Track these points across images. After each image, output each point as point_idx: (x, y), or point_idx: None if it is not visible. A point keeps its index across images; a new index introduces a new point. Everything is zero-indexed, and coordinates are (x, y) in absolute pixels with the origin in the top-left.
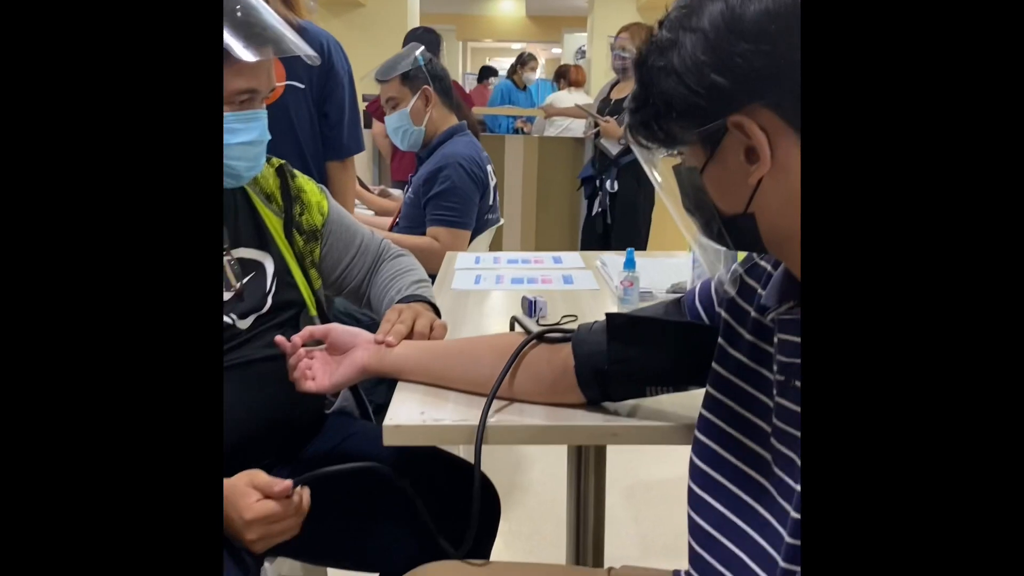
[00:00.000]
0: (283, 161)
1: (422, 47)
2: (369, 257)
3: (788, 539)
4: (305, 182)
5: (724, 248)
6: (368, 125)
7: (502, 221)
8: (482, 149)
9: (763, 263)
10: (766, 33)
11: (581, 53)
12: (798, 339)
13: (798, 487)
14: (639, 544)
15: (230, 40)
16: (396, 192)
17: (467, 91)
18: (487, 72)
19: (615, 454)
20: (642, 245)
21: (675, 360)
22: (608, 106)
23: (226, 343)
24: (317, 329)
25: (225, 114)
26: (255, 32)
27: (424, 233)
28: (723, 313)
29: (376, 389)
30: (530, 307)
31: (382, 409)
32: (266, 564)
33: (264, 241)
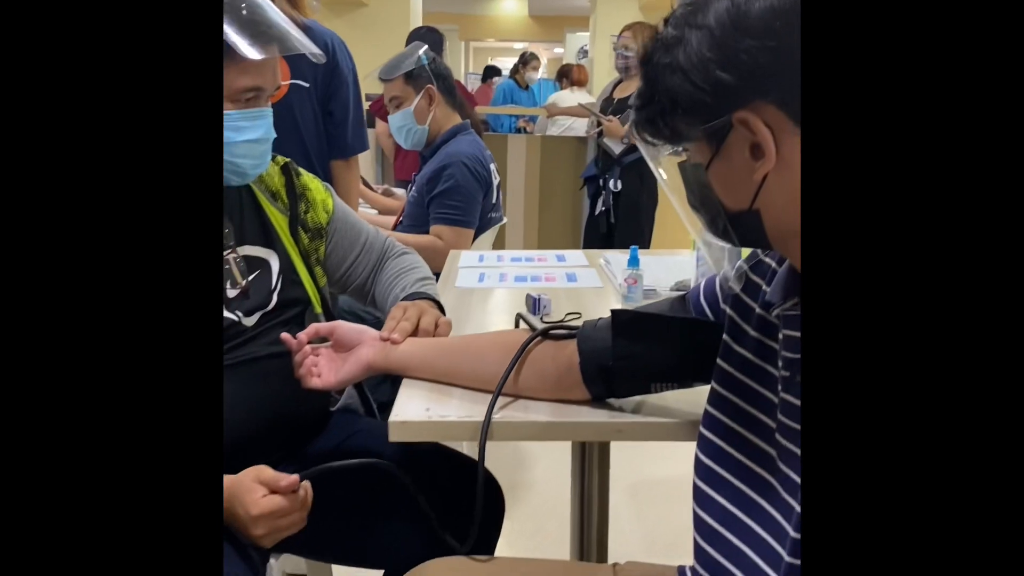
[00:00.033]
0: (288, 159)
1: (425, 46)
2: (374, 255)
3: (793, 534)
4: (310, 180)
5: (729, 245)
6: (371, 124)
7: (505, 220)
8: (485, 148)
9: (768, 260)
10: (771, 30)
11: (583, 53)
12: None
13: None
14: (643, 541)
15: (236, 38)
16: (399, 191)
17: (470, 91)
18: (491, 72)
19: (618, 452)
20: (645, 244)
21: (680, 356)
22: (611, 105)
23: (232, 340)
24: (323, 326)
25: (231, 112)
26: (260, 30)
27: (428, 232)
28: (728, 310)
29: (380, 387)
30: (534, 305)
31: (385, 407)
32: (272, 560)
33: (270, 239)
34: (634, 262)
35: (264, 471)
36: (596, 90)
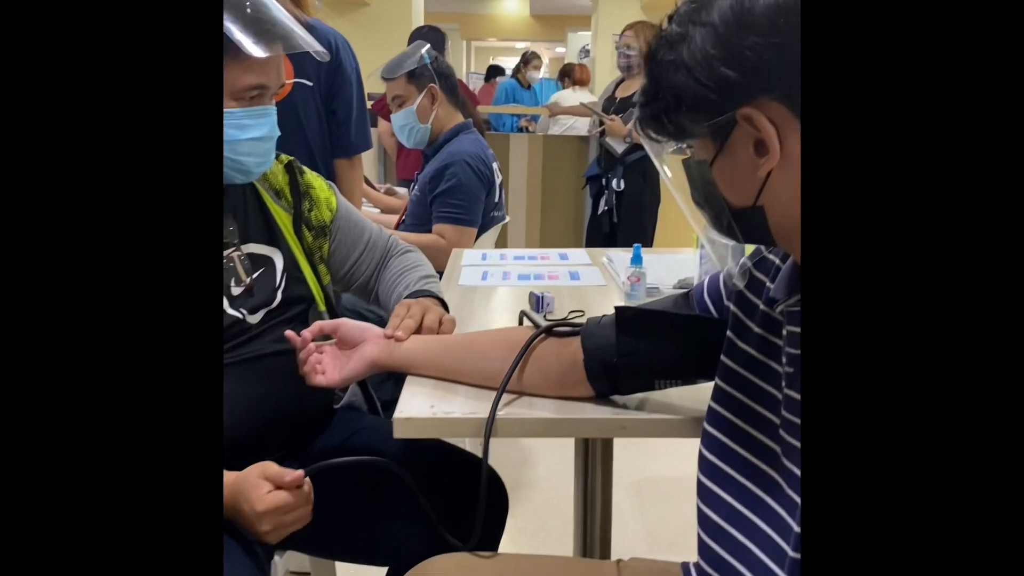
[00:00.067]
0: (292, 157)
1: (428, 45)
2: (377, 253)
3: (797, 530)
4: (314, 178)
5: (733, 242)
6: (373, 124)
7: (508, 218)
8: (488, 146)
9: (771, 256)
10: (775, 26)
11: (585, 52)
12: None
13: None
14: (645, 539)
15: (240, 36)
16: (402, 190)
17: (472, 90)
18: (494, 71)
19: (621, 450)
20: (648, 243)
21: (684, 353)
22: (613, 104)
23: (236, 338)
24: (327, 324)
25: (235, 110)
26: (265, 28)
27: (430, 231)
28: (732, 306)
29: (383, 386)
30: (537, 303)
31: (388, 406)
32: (276, 558)
33: (273, 237)
34: (637, 260)
35: (269, 467)
36: (598, 89)
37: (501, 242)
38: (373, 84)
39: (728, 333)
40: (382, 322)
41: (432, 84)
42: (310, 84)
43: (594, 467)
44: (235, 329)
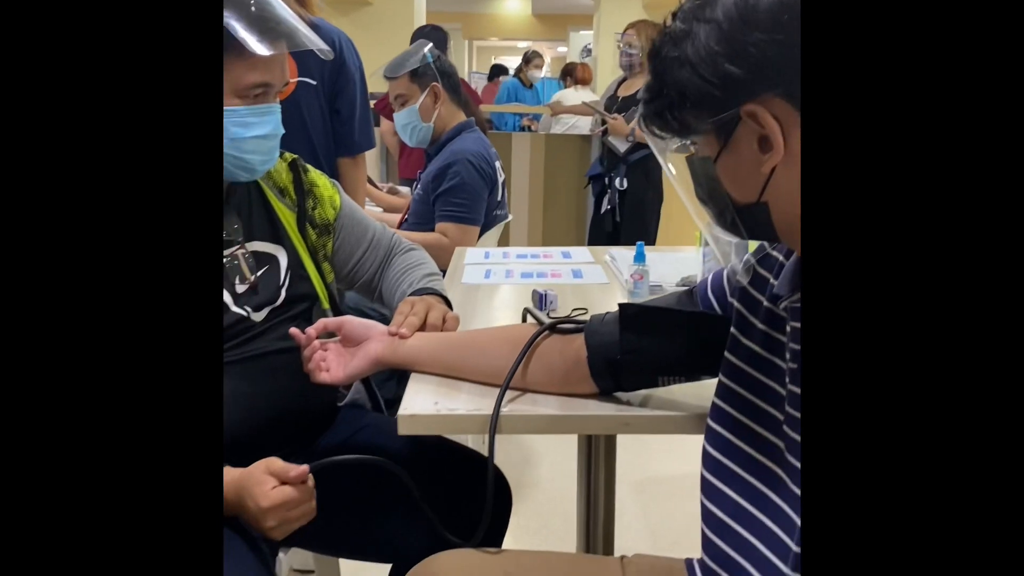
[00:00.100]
0: (296, 156)
1: (430, 44)
2: (381, 251)
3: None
4: (318, 176)
5: (737, 238)
6: (376, 123)
7: (511, 217)
8: (490, 145)
9: (775, 253)
10: (779, 23)
11: (587, 51)
12: None
13: None
14: (648, 538)
15: (244, 34)
16: (404, 189)
17: (474, 89)
18: (498, 70)
19: (624, 449)
20: (651, 242)
21: (687, 350)
22: (615, 103)
23: (241, 335)
24: (331, 321)
25: (239, 108)
26: (269, 26)
27: (433, 229)
28: (735, 303)
29: (386, 384)
30: (540, 300)
31: (391, 404)
32: (280, 555)
33: (278, 235)
34: (640, 258)
35: (274, 462)
36: (600, 88)
37: (503, 241)
38: (375, 83)
39: (732, 330)
40: (385, 320)
41: (435, 83)
42: (314, 83)
43: (597, 465)
44: (239, 327)
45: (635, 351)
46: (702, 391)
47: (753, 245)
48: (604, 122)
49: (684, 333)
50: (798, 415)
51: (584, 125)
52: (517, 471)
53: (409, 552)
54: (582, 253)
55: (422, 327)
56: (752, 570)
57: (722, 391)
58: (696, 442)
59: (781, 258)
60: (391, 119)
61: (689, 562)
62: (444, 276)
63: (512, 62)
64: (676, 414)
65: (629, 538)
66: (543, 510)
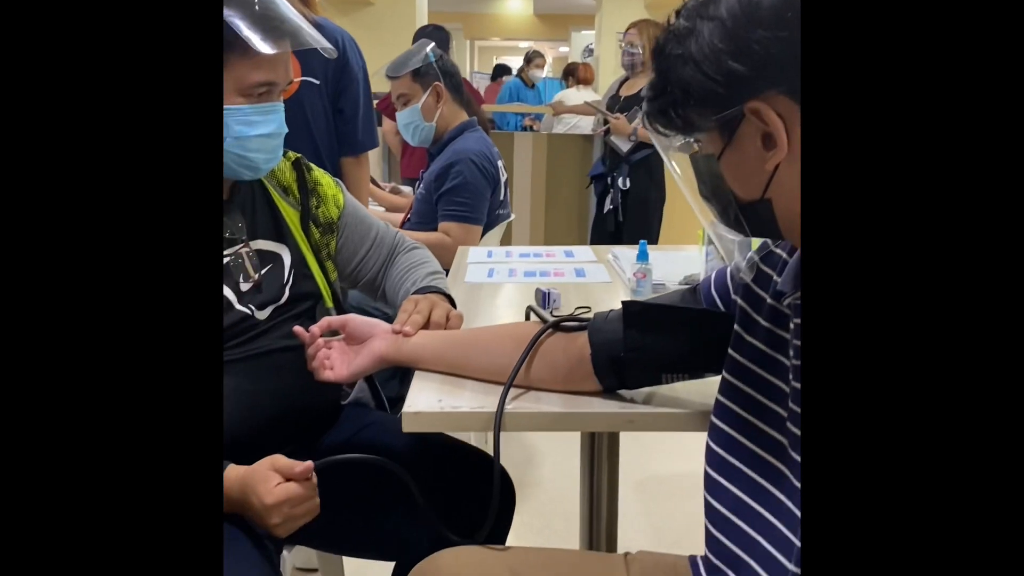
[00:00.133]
0: (299, 155)
1: (432, 43)
2: (384, 249)
3: None
4: (321, 175)
5: (741, 235)
6: (378, 123)
7: (513, 216)
8: (493, 145)
9: (778, 250)
10: (783, 20)
11: (588, 51)
12: None
13: None
14: (651, 537)
15: (248, 33)
16: (407, 189)
17: (477, 89)
18: (501, 70)
19: (626, 449)
20: (653, 241)
21: (691, 347)
22: (618, 103)
23: (245, 333)
24: (335, 319)
25: (243, 107)
26: (273, 25)
27: (436, 229)
28: (739, 300)
29: (388, 384)
30: (544, 299)
31: (394, 403)
32: (284, 552)
33: (281, 233)
34: (643, 256)
35: (279, 459)
36: (601, 89)
37: (505, 240)
38: (377, 83)
39: (735, 327)
40: (388, 319)
41: (437, 82)
42: (317, 83)
43: (600, 463)
44: (244, 325)
45: (639, 348)
46: (705, 388)
47: (756, 242)
48: (607, 122)
49: (688, 330)
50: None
51: (586, 125)
52: (519, 471)
53: (413, 549)
54: (585, 252)
55: (426, 325)
56: (756, 566)
57: (726, 388)
58: (697, 442)
59: (785, 255)
60: (393, 119)
61: (693, 559)
62: (447, 275)
63: (514, 62)
64: (680, 411)
65: (631, 537)
66: (545, 510)
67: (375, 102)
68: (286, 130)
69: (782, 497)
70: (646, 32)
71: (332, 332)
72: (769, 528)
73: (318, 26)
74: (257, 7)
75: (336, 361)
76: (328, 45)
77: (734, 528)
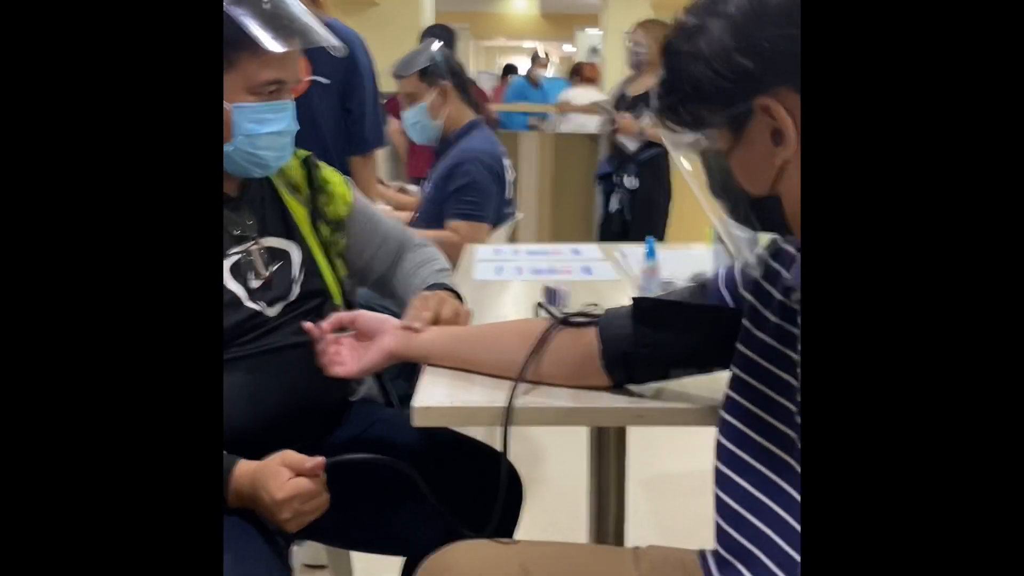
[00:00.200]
0: (309, 153)
1: (439, 42)
2: (393, 247)
3: None
4: (330, 173)
5: (750, 231)
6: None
7: (520, 216)
8: (499, 143)
9: (787, 246)
10: (792, 16)
11: (594, 51)
12: None
13: None
14: (658, 534)
15: (258, 31)
16: (414, 188)
17: (483, 89)
18: (509, 70)
19: (634, 447)
20: (660, 240)
21: (701, 344)
22: (624, 102)
23: (255, 330)
24: (345, 315)
25: (254, 104)
26: (283, 24)
27: (443, 228)
28: (748, 296)
29: (396, 382)
30: (552, 296)
31: (402, 401)
32: (293, 547)
33: (290, 231)
34: (651, 254)
35: (289, 455)
36: (607, 87)
37: (512, 239)
38: (384, 83)
39: (744, 322)
40: (397, 317)
41: (443, 81)
42: (326, 82)
43: (607, 460)
44: (254, 322)
45: (650, 344)
46: (714, 383)
47: (764, 240)
48: (613, 121)
49: (698, 326)
50: None
51: (591, 124)
52: (526, 468)
53: (421, 545)
54: (592, 250)
55: (435, 321)
56: (765, 559)
57: (735, 383)
58: (704, 440)
59: (794, 251)
60: (399, 119)
61: (702, 553)
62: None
63: (520, 62)
64: (689, 406)
65: (638, 535)
66: (551, 507)
67: (383, 102)
68: (296, 128)
69: (791, 491)
70: (652, 31)
71: (342, 328)
72: (779, 521)
73: (328, 26)
74: (267, 5)
75: (346, 357)
76: (337, 43)
77: (744, 522)
